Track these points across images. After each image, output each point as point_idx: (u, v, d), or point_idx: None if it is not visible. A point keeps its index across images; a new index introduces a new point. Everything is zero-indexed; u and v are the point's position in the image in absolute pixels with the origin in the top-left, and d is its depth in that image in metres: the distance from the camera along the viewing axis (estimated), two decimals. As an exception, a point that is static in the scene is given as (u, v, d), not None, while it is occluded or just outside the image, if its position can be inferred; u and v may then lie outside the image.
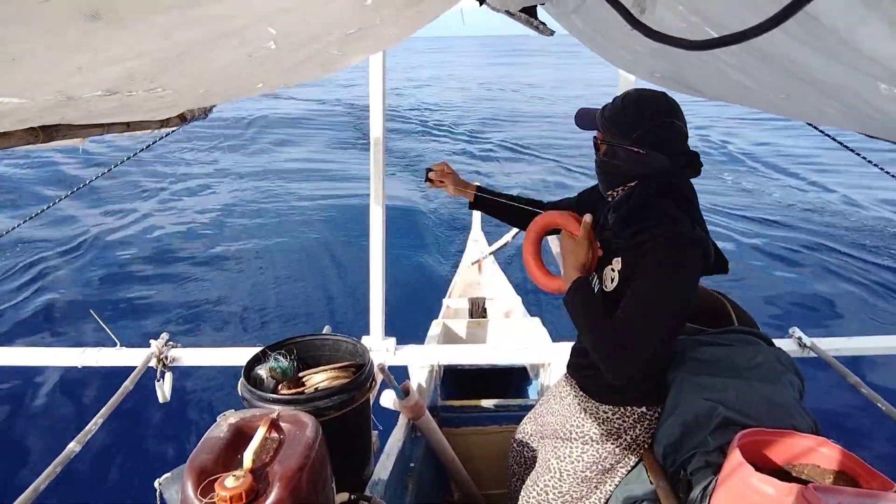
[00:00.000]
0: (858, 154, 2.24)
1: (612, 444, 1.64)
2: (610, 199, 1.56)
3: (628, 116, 1.43)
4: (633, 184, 1.48)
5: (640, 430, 1.63)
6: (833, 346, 2.47)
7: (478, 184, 1.91)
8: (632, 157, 1.44)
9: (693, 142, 1.45)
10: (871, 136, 0.96)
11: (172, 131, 1.62)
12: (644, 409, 1.62)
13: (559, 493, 1.71)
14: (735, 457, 1.36)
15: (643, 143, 1.42)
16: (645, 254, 1.39)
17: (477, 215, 4.78)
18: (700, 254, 1.39)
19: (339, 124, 15.79)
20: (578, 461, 1.67)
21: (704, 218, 1.50)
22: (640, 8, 0.78)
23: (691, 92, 1.57)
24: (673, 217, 1.40)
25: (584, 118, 1.57)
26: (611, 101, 1.51)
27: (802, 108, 1.04)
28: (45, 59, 0.51)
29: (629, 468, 1.70)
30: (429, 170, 1.89)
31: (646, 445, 1.66)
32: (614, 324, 1.36)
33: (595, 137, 1.55)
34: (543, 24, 1.73)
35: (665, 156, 1.42)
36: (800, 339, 2.47)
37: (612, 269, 1.50)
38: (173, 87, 0.87)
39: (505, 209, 1.89)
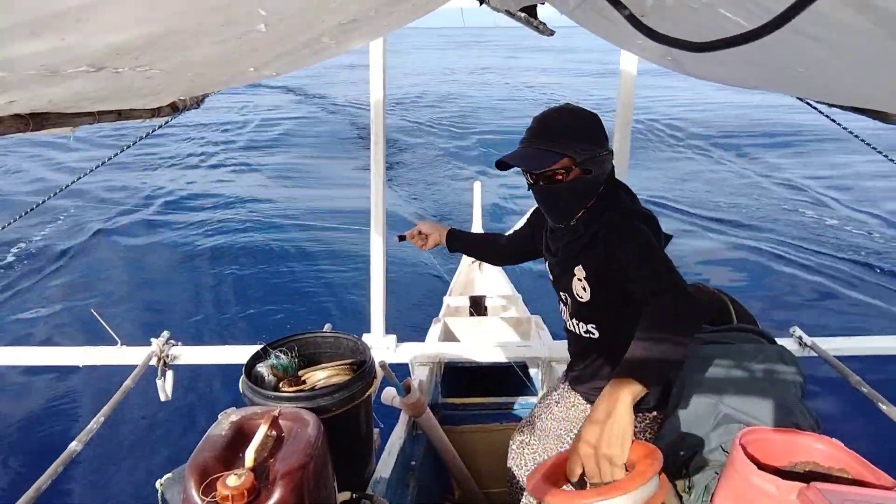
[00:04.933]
0: (864, 141, 2.23)
1: None
2: (564, 226, 1.49)
3: (585, 126, 1.40)
4: (590, 203, 1.44)
5: (649, 432, 1.64)
6: (834, 345, 2.47)
7: (449, 228, 1.97)
8: (604, 162, 1.41)
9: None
10: (888, 120, 0.94)
11: (165, 122, 1.61)
12: (655, 413, 1.63)
13: None
14: (737, 455, 1.36)
15: (605, 144, 1.42)
16: (603, 243, 1.39)
17: (477, 213, 4.80)
18: (650, 225, 1.41)
19: (336, 121, 15.76)
20: None
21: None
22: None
23: (705, 76, 1.56)
24: (614, 200, 1.44)
25: (532, 158, 1.39)
26: (538, 125, 1.41)
27: (821, 84, 1.02)
28: (25, 30, 0.51)
29: None
30: (401, 237, 1.97)
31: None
32: (653, 298, 1.25)
33: (552, 170, 1.38)
34: (543, 23, 1.73)
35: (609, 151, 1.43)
36: (800, 338, 2.47)
37: (579, 280, 1.48)
38: (161, 66, 0.86)
39: (476, 247, 2.01)
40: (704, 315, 1.30)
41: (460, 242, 1.95)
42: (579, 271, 1.47)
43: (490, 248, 1.98)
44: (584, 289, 1.48)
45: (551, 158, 1.37)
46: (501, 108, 18.17)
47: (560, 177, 1.39)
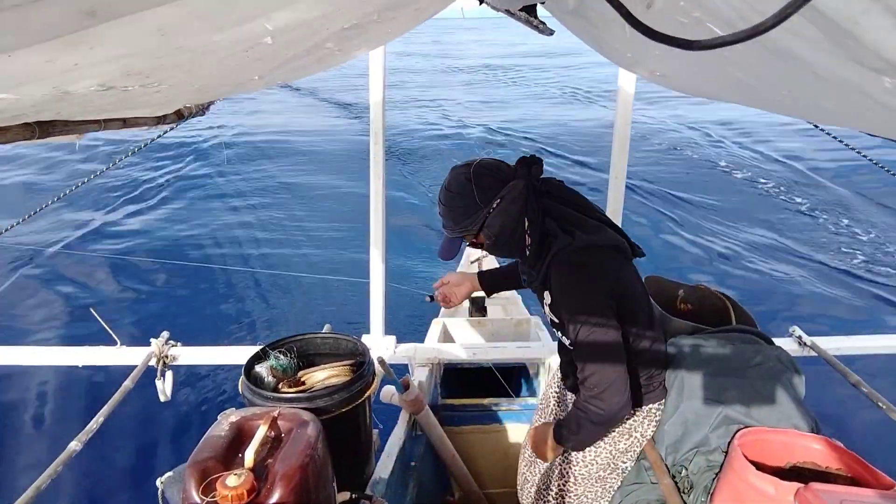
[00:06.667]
0: (860, 153, 2.24)
1: (625, 443, 1.66)
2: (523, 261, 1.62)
3: (459, 203, 1.52)
4: (526, 228, 1.53)
5: (647, 424, 1.66)
6: (834, 345, 2.46)
7: (476, 271, 2.00)
8: (501, 213, 1.50)
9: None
10: (873, 135, 0.95)
11: (170, 128, 1.62)
12: (651, 405, 1.65)
13: (574, 495, 1.72)
14: (735, 456, 1.36)
15: (489, 196, 1.49)
16: (551, 278, 1.48)
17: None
18: (596, 255, 1.47)
19: (337, 120, 15.76)
20: (592, 464, 1.68)
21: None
22: (646, 2, 0.78)
23: (693, 91, 1.57)
24: (555, 235, 1.49)
25: (447, 248, 1.63)
26: (440, 214, 1.59)
27: (804, 106, 1.03)
28: (41, 56, 0.51)
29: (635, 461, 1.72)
30: (430, 297, 1.99)
31: (651, 436, 1.69)
32: (581, 380, 1.45)
33: (470, 244, 1.63)
34: (543, 23, 1.72)
35: (511, 181, 1.50)
36: (800, 338, 2.47)
37: (547, 305, 1.57)
38: (169, 82, 0.87)
39: (510, 279, 1.94)
40: (613, 422, 1.52)
41: (494, 281, 1.96)
42: (546, 296, 1.57)
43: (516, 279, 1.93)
44: (550, 313, 1.57)
45: (455, 246, 1.63)
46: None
47: (479, 241, 1.59)
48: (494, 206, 1.50)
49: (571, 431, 1.55)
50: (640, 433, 1.66)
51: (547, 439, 1.65)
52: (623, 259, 1.54)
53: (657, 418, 1.66)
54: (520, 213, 1.50)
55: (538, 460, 1.96)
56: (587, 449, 1.68)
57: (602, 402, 1.42)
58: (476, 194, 1.50)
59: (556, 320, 1.56)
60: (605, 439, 1.66)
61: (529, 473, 1.98)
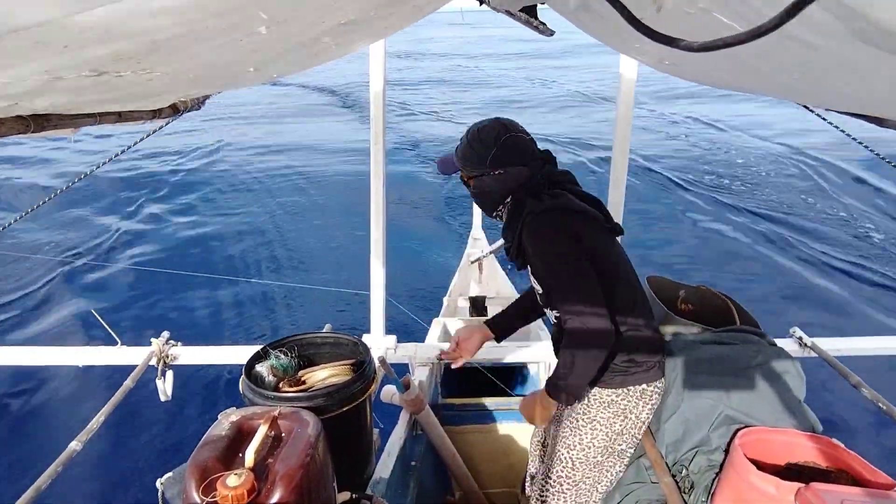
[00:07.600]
0: (867, 147, 2.23)
1: (620, 425, 1.66)
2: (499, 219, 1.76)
3: (476, 148, 1.66)
4: (508, 200, 1.68)
5: (643, 406, 1.65)
6: (834, 346, 2.46)
7: (485, 320, 2.03)
8: (496, 179, 1.66)
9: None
10: (884, 125, 0.95)
11: (166, 123, 1.61)
12: (644, 385, 1.64)
13: (573, 481, 1.73)
14: (736, 455, 1.36)
15: (497, 164, 1.64)
16: (525, 245, 1.58)
17: (477, 215, 4.79)
18: (563, 216, 1.57)
19: (341, 115, 15.73)
20: (589, 448, 1.69)
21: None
22: (656, 5, 0.77)
23: (703, 80, 1.56)
24: (529, 202, 1.60)
25: (446, 164, 1.78)
26: (459, 140, 1.74)
27: (818, 92, 1.02)
28: (31, 38, 0.51)
29: (635, 448, 1.72)
30: (440, 358, 2.03)
31: (649, 422, 1.68)
32: (562, 323, 1.52)
33: (461, 177, 1.76)
34: (543, 24, 1.72)
35: (521, 166, 1.64)
36: (801, 338, 2.46)
37: (532, 275, 1.67)
38: (162, 68, 0.87)
39: (521, 315, 2.02)
40: (601, 348, 1.50)
41: (505, 323, 2.01)
42: (530, 269, 1.66)
43: (531, 305, 1.90)
44: (536, 283, 1.66)
45: (451, 168, 1.77)
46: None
47: (467, 181, 1.75)
48: (496, 173, 1.65)
49: (561, 376, 1.56)
50: (634, 415, 1.65)
51: (537, 399, 1.71)
52: (591, 223, 1.62)
53: (653, 400, 1.66)
54: (509, 191, 1.67)
55: (539, 453, 1.97)
56: (583, 433, 1.69)
57: (583, 325, 1.47)
58: (492, 154, 1.64)
59: (541, 290, 1.64)
60: (601, 421, 1.66)
61: (532, 467, 2.00)
